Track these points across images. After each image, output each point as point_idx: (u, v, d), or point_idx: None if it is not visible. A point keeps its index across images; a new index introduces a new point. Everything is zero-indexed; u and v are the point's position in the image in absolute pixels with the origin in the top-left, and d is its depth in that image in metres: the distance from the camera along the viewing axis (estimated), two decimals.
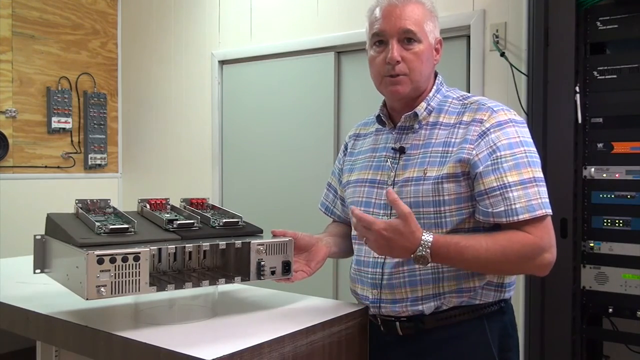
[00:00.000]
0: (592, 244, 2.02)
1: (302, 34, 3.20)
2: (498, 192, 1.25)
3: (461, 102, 1.38)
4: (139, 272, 1.10)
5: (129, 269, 1.09)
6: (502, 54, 2.50)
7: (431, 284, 1.32)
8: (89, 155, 3.81)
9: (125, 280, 1.09)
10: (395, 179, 1.37)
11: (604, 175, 2.01)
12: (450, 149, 1.31)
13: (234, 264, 1.31)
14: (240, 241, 1.26)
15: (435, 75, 1.45)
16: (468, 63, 2.66)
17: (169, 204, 1.48)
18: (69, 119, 3.71)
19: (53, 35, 3.69)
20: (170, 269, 1.30)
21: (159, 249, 1.19)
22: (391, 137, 1.43)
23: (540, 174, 1.29)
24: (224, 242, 1.25)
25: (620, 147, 1.99)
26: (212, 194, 3.53)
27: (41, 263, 1.32)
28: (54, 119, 3.63)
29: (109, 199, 1.43)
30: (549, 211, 1.27)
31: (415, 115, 1.39)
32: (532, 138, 1.33)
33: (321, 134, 3.13)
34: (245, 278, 1.26)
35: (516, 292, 1.56)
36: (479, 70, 2.61)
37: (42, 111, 3.64)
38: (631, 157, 1.97)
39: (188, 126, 3.70)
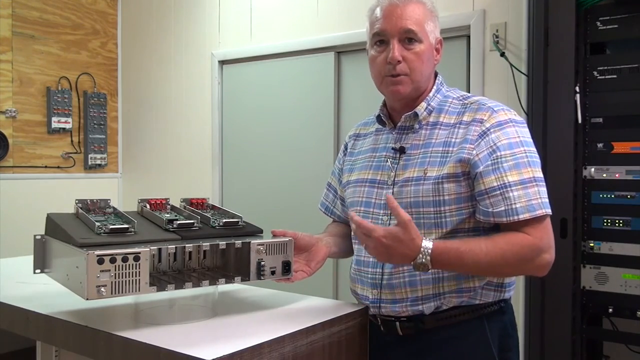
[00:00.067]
0: (592, 244, 2.02)
1: (302, 34, 3.20)
2: (498, 192, 1.26)
3: (461, 102, 1.38)
4: (139, 272, 1.10)
5: (129, 269, 1.09)
6: (502, 54, 2.50)
7: (431, 284, 1.32)
8: (89, 155, 3.82)
9: (125, 280, 1.09)
10: (396, 179, 1.37)
11: (604, 175, 2.01)
12: (451, 149, 1.32)
13: (234, 264, 1.31)
14: (240, 241, 1.26)
15: (436, 75, 1.45)
16: (468, 63, 2.66)
17: (169, 204, 1.48)
18: (69, 119, 3.71)
19: (53, 35, 3.69)
20: (170, 269, 1.29)
21: (159, 249, 1.19)
22: (391, 137, 1.43)
23: (540, 174, 1.29)
24: (224, 242, 1.25)
25: (620, 147, 1.99)
26: (212, 194, 3.53)
27: (41, 263, 1.32)
28: (54, 119, 3.63)
29: (109, 199, 1.43)
30: (549, 211, 1.27)
31: (416, 115, 1.39)
32: (532, 138, 1.33)
33: (321, 134, 3.13)
34: (245, 278, 1.26)
35: (516, 292, 1.56)
36: (479, 70, 2.61)
37: (42, 111, 3.64)
38: (631, 157, 1.97)
39: (188, 126, 3.70)
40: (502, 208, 1.25)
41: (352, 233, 1.48)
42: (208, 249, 1.24)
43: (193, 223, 1.31)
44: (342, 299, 2.66)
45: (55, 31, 3.69)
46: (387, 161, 1.41)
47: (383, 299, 1.36)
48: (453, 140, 1.32)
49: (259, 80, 3.40)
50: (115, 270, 1.08)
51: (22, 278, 1.63)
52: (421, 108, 1.38)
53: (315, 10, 3.16)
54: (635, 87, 1.96)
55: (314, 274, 1.42)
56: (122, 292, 1.09)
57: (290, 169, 3.25)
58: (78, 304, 1.29)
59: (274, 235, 1.34)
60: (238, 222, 1.37)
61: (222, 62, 3.54)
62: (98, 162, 3.85)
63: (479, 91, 2.59)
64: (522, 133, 1.31)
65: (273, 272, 1.29)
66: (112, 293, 1.08)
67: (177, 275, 1.28)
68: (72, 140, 3.77)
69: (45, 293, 1.44)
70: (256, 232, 1.37)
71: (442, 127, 1.36)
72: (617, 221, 1.98)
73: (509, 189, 1.25)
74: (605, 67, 2.01)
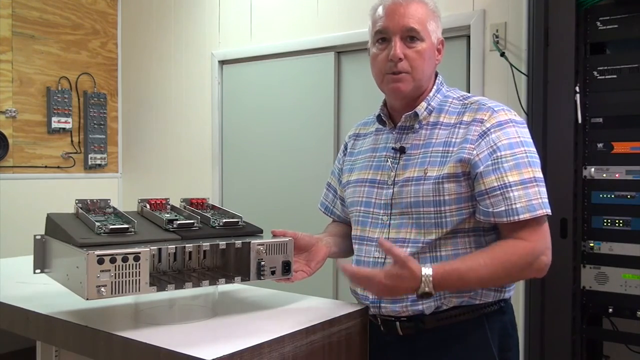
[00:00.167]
0: (592, 244, 2.02)
1: (302, 34, 3.20)
2: (499, 192, 1.26)
3: (461, 102, 1.38)
4: (139, 272, 1.10)
5: (129, 269, 1.09)
6: (502, 54, 2.50)
7: None
8: (89, 155, 3.81)
9: (126, 280, 1.09)
10: (396, 179, 1.37)
11: (604, 175, 2.01)
12: (451, 148, 1.32)
13: (234, 264, 1.31)
14: (240, 241, 1.26)
15: (436, 75, 1.45)
16: (468, 63, 2.66)
17: (169, 204, 1.48)
18: (69, 119, 3.71)
19: (53, 35, 3.69)
20: (170, 269, 1.29)
21: (159, 249, 1.19)
22: (391, 137, 1.43)
23: (540, 174, 1.29)
24: (224, 242, 1.25)
25: (620, 147, 1.99)
26: (212, 194, 3.53)
27: (41, 263, 1.32)
28: (54, 119, 3.63)
29: (109, 199, 1.43)
30: (549, 211, 1.27)
31: (416, 115, 1.39)
32: (532, 138, 1.34)
33: (321, 134, 3.13)
34: (245, 278, 1.26)
35: (516, 292, 1.56)
36: (479, 70, 2.61)
37: (42, 111, 3.64)
38: (631, 157, 1.97)
39: (188, 126, 3.70)
40: (503, 208, 1.25)
41: (353, 232, 1.48)
42: (208, 249, 1.24)
43: (193, 223, 1.31)
44: (342, 299, 2.66)
45: (55, 31, 3.69)
46: (387, 161, 1.41)
47: (383, 298, 1.36)
48: (453, 140, 1.32)
49: (259, 80, 3.40)
50: (115, 270, 1.08)
51: (22, 278, 1.63)
52: (421, 108, 1.38)
53: (315, 10, 3.16)
54: (635, 87, 1.96)
55: (314, 274, 1.42)
56: (122, 292, 1.09)
57: (290, 169, 3.25)
58: (78, 304, 1.29)
59: (274, 235, 1.34)
60: (238, 222, 1.37)
61: (222, 62, 3.54)
62: (98, 162, 3.85)
63: (479, 91, 2.59)
64: (522, 133, 1.31)
65: (273, 272, 1.29)
66: (112, 293, 1.08)
67: (177, 275, 1.27)
68: (72, 140, 3.77)
69: (45, 293, 1.44)
70: (256, 232, 1.37)
71: (442, 127, 1.36)
72: (617, 221, 1.98)
73: (509, 189, 1.25)
74: (605, 67, 2.01)
